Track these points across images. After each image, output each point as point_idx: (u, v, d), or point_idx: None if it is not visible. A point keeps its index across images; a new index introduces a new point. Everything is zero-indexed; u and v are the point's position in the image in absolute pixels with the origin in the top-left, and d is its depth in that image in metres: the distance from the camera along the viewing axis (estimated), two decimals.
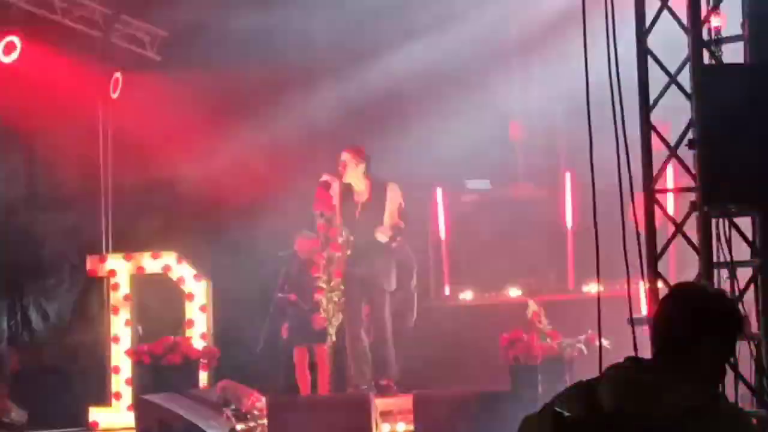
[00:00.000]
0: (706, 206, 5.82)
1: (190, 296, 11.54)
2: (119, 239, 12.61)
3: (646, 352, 6.11)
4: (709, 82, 5.67)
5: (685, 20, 6.13)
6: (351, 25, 12.89)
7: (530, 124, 12.89)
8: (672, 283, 6.94)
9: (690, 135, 5.94)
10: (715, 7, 6.19)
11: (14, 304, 12.49)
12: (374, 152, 11.25)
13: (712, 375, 3.26)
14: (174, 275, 11.60)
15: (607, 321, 6.56)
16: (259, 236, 12.07)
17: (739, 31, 6.15)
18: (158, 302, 11.93)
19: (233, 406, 9.18)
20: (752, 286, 6.08)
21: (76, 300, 12.40)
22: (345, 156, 9.49)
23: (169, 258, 11.62)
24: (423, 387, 9.55)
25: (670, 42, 6.30)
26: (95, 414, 11.41)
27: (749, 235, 6.12)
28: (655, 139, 6.30)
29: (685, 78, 6.13)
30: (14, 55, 11.72)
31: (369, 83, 12.33)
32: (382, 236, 9.27)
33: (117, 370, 11.48)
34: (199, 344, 10.82)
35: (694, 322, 3.24)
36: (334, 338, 9.70)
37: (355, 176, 9.47)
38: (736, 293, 6.09)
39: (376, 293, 9.45)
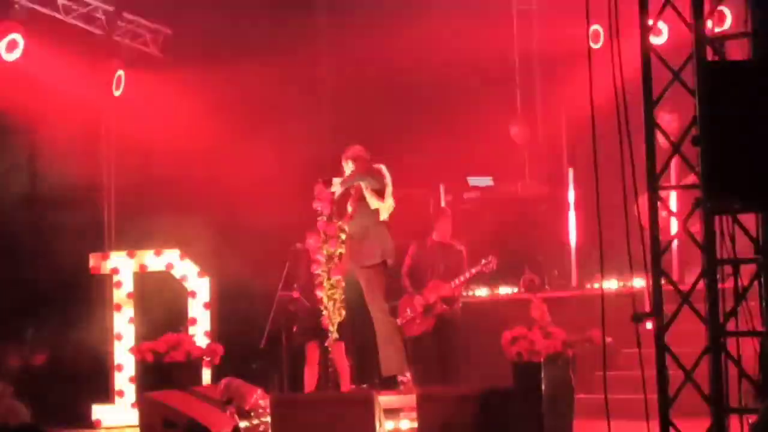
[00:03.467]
0: (710, 203, 5.80)
1: (193, 294, 11.54)
2: (122, 237, 12.61)
3: (649, 349, 6.17)
4: (713, 79, 5.65)
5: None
6: (354, 22, 12.91)
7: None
8: (675, 279, 6.95)
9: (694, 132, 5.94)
10: (719, 2, 6.19)
11: (17, 301, 12.49)
12: (378, 149, 11.29)
13: None
14: (177, 273, 11.60)
15: (610, 318, 6.59)
16: (263, 233, 12.07)
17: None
18: (161, 300, 11.92)
19: (236, 404, 9.16)
20: (756, 283, 6.07)
21: (79, 298, 12.39)
22: (351, 152, 9.52)
23: (172, 255, 11.62)
24: (426, 384, 9.55)
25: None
26: (98, 412, 11.43)
27: (753, 232, 6.12)
28: (658, 136, 6.29)
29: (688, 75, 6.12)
30: (17, 53, 11.73)
31: (374, 80, 12.34)
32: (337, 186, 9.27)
33: (120, 367, 11.49)
34: (202, 342, 10.80)
35: None
36: (336, 336, 9.67)
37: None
38: (740, 290, 6.09)
39: (365, 282, 9.45)
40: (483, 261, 11.12)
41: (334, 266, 9.21)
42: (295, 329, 10.98)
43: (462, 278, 11.18)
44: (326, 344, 9.69)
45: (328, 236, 9.19)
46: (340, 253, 9.24)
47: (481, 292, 12.11)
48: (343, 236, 9.34)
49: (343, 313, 9.42)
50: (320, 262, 9.35)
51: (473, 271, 11.15)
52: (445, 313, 11.17)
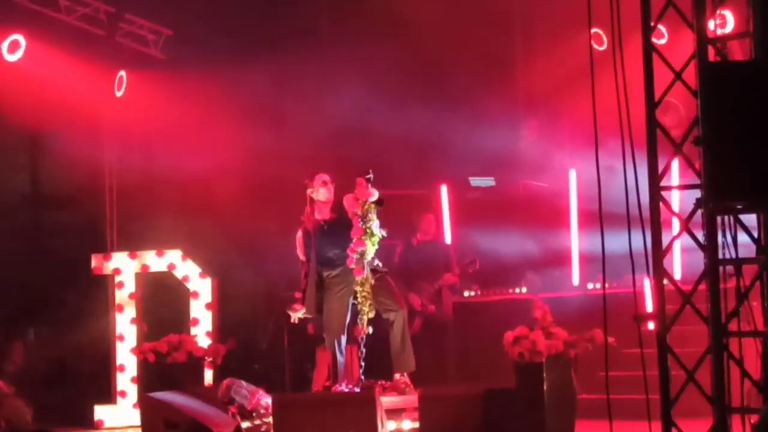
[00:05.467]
0: (712, 203, 5.80)
1: (195, 294, 11.55)
2: (124, 237, 12.62)
3: (650, 350, 6.17)
4: (715, 79, 5.66)
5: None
6: (356, 21, 12.91)
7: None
8: (677, 280, 6.95)
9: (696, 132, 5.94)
10: (721, 3, 6.19)
11: (19, 301, 12.50)
12: (379, 150, 11.32)
13: None
14: (179, 273, 11.62)
15: (612, 318, 6.59)
16: (265, 234, 12.08)
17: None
18: (163, 300, 11.93)
19: (238, 404, 9.17)
20: (758, 283, 6.07)
21: (81, 298, 12.41)
22: (326, 176, 9.60)
23: (173, 256, 11.63)
24: (428, 384, 9.55)
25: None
26: (100, 412, 11.44)
27: (755, 232, 6.12)
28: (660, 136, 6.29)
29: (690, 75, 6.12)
30: (19, 54, 11.77)
31: (375, 80, 12.33)
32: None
33: (122, 368, 11.52)
34: (204, 342, 10.82)
35: None
36: (369, 331, 9.51)
37: (327, 194, 9.61)
38: (742, 290, 6.09)
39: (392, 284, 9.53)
40: (466, 261, 11.19)
41: (360, 266, 9.21)
42: (311, 331, 10.95)
43: (445, 282, 11.24)
44: (361, 337, 9.47)
45: (359, 236, 9.18)
46: (363, 252, 9.23)
47: (484, 292, 12.11)
48: (378, 238, 9.30)
49: (372, 312, 9.36)
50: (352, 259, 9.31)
51: (456, 271, 11.23)
52: (434, 314, 11.20)
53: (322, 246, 9.52)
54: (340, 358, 9.34)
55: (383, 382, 9.20)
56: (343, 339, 9.38)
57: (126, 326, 11.61)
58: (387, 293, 9.35)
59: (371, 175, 9.21)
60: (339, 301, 9.42)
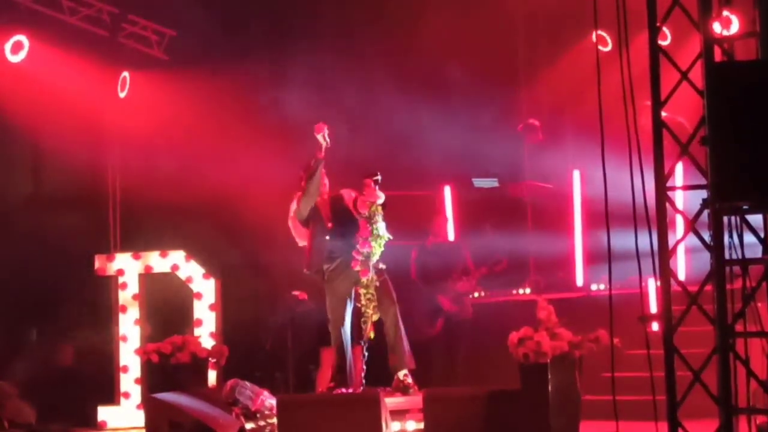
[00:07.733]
0: (718, 204, 5.80)
1: (199, 295, 11.54)
2: (127, 238, 12.62)
3: (655, 351, 6.17)
4: (721, 80, 5.65)
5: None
6: (358, 23, 12.92)
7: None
8: (683, 280, 6.95)
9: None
10: (727, 4, 6.19)
11: (21, 302, 12.49)
12: (381, 151, 11.32)
13: None
14: (182, 274, 11.61)
15: (617, 319, 6.59)
16: (268, 234, 12.07)
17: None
18: (166, 301, 11.92)
19: (243, 405, 9.16)
20: (764, 284, 6.06)
21: (84, 299, 12.40)
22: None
23: (177, 257, 11.63)
24: (433, 385, 9.54)
25: None
26: (104, 413, 11.43)
27: (761, 233, 6.11)
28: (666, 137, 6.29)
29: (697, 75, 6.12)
30: (22, 55, 11.78)
31: (378, 80, 12.34)
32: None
33: (126, 369, 11.51)
34: (208, 343, 10.80)
35: None
36: (372, 335, 9.52)
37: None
38: (748, 291, 6.08)
39: (389, 284, 9.53)
40: (492, 260, 11.20)
41: (365, 268, 9.19)
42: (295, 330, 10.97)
43: (470, 279, 11.24)
44: (364, 341, 9.47)
45: (365, 238, 9.16)
46: (369, 253, 9.21)
47: (488, 293, 12.11)
48: (384, 239, 9.28)
49: (377, 315, 9.34)
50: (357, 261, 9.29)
51: (483, 270, 11.21)
52: (456, 314, 11.21)
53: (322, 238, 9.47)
54: (346, 355, 9.30)
55: (387, 388, 9.19)
56: (348, 325, 9.30)
57: (129, 327, 11.60)
58: (382, 292, 9.32)
59: (379, 177, 9.18)
60: (340, 292, 9.37)
